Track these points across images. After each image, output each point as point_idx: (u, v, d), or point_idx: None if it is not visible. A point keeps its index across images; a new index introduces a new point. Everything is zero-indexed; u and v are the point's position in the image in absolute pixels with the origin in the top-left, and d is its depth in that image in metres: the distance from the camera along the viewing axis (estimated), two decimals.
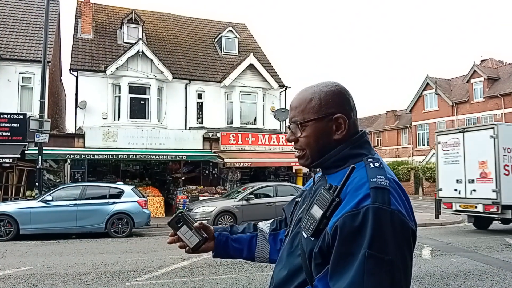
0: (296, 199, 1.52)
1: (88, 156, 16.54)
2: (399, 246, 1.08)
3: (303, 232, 1.25)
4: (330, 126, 1.30)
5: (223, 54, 23.44)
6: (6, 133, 15.99)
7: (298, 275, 1.28)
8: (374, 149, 1.34)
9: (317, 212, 1.19)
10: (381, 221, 1.07)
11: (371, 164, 1.22)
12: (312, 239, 1.19)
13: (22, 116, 16.19)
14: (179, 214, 1.56)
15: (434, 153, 34.48)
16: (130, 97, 18.93)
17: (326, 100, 1.31)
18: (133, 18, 21.40)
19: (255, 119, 21.20)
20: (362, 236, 1.07)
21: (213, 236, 1.61)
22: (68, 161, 17.57)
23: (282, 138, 20.26)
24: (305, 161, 1.35)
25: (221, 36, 23.74)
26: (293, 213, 1.47)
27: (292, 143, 1.38)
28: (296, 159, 1.42)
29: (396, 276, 1.06)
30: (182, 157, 17.95)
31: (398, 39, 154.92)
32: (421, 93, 37.78)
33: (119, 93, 18.89)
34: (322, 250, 1.16)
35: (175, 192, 18.59)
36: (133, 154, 17.04)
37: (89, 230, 12.25)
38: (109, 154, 16.75)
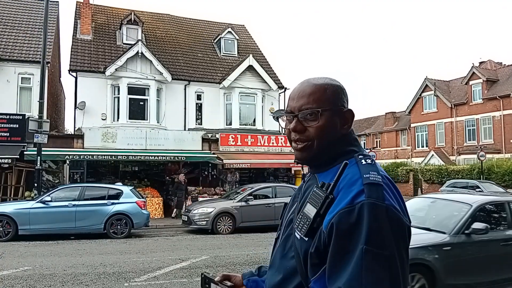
0: (285, 202, 1.49)
1: (87, 157, 16.53)
2: (396, 241, 1.07)
3: (296, 233, 1.22)
4: (340, 119, 1.29)
5: (223, 55, 23.46)
6: (5, 134, 15.97)
7: (292, 279, 1.24)
8: (362, 147, 1.34)
9: (310, 210, 1.16)
10: (377, 217, 1.06)
11: (363, 161, 1.21)
12: (306, 239, 1.16)
13: (21, 117, 16.18)
14: (202, 276, 1.53)
15: (432, 154, 34.64)
16: (129, 98, 18.94)
17: (338, 93, 1.31)
18: (133, 19, 21.42)
19: (254, 120, 21.22)
20: (359, 232, 1.06)
21: (242, 284, 1.51)
22: (67, 161, 17.55)
23: (281, 139, 20.26)
24: (308, 153, 1.28)
25: (220, 37, 23.76)
26: (283, 215, 1.43)
27: (294, 134, 1.30)
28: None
29: (394, 272, 1.04)
30: (181, 158, 17.96)
31: (398, 41, 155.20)
32: (420, 95, 37.84)
33: (118, 94, 18.89)
34: (318, 249, 1.13)
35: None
36: (132, 155, 17.03)
37: (88, 231, 12.24)
38: (108, 155, 16.74)
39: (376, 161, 1.27)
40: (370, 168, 1.17)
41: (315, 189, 1.19)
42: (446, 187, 22.92)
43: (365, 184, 1.11)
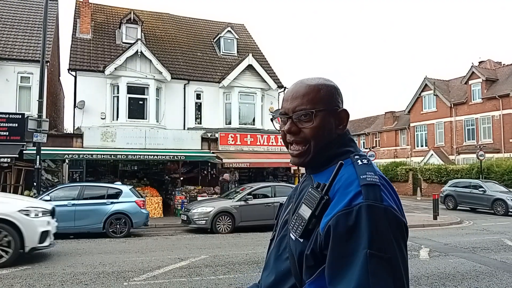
0: (280, 202, 1.48)
1: (86, 156, 16.52)
2: (396, 242, 1.06)
3: (291, 234, 1.20)
4: (335, 119, 1.28)
5: (222, 54, 23.45)
6: (5, 133, 15.96)
7: (286, 280, 1.22)
8: (358, 147, 1.33)
9: (305, 211, 1.15)
10: (376, 219, 1.05)
11: (359, 161, 1.19)
12: (301, 240, 1.15)
13: (20, 116, 16.17)
14: None
15: (432, 154, 34.62)
16: (129, 97, 18.93)
17: (332, 93, 1.30)
18: (132, 18, 21.40)
19: (253, 120, 21.22)
20: (359, 235, 1.04)
21: None
22: (66, 161, 17.55)
23: (281, 138, 20.23)
24: (304, 158, 1.28)
25: (220, 37, 23.74)
26: (278, 216, 1.42)
27: (289, 136, 1.29)
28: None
29: (397, 274, 1.03)
30: (180, 157, 17.95)
31: (397, 40, 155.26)
32: (420, 94, 37.84)
33: (118, 93, 18.88)
34: (314, 252, 1.11)
35: (173, 192, 18.59)
36: (132, 154, 17.03)
37: (87, 230, 12.24)
38: (108, 154, 16.74)
39: (376, 160, 1.26)
40: (367, 169, 1.15)
41: (310, 189, 1.17)
42: (448, 187, 22.83)
43: (363, 186, 1.10)
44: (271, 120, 1.45)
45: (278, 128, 1.36)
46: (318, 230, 1.11)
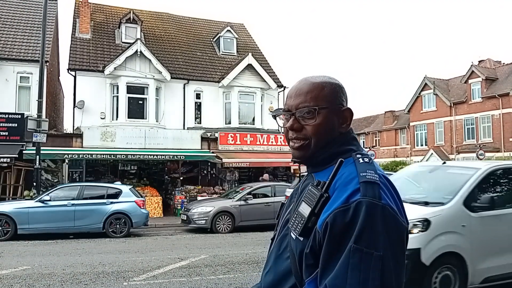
0: (282, 201, 1.49)
1: (86, 156, 16.52)
2: (391, 242, 1.04)
3: (291, 233, 1.19)
4: (338, 117, 1.27)
5: (222, 54, 23.43)
6: (4, 133, 15.95)
7: (287, 279, 1.22)
8: (361, 146, 1.32)
9: (305, 209, 1.14)
10: (371, 216, 1.03)
11: (360, 159, 1.18)
12: (301, 239, 1.14)
13: (20, 116, 16.15)
14: None
15: (432, 153, 34.62)
16: (128, 97, 18.91)
17: (337, 92, 1.29)
18: (131, 18, 21.37)
19: (253, 119, 21.21)
20: (352, 232, 1.03)
21: None
22: (66, 161, 17.53)
23: (281, 138, 20.26)
24: (305, 152, 1.27)
25: (219, 36, 23.73)
26: (280, 215, 1.42)
27: (291, 133, 1.28)
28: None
29: (386, 273, 1.01)
30: (180, 157, 17.95)
31: (397, 39, 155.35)
32: (419, 93, 37.83)
33: (117, 93, 18.86)
34: (313, 250, 1.11)
35: (173, 192, 18.58)
36: (131, 154, 17.02)
37: (87, 230, 12.23)
38: (107, 154, 16.73)
39: (375, 160, 1.25)
40: (367, 167, 1.15)
41: (310, 187, 1.17)
42: None
43: (361, 183, 1.09)
44: (274, 117, 1.44)
45: (281, 125, 1.35)
46: (317, 228, 1.11)
